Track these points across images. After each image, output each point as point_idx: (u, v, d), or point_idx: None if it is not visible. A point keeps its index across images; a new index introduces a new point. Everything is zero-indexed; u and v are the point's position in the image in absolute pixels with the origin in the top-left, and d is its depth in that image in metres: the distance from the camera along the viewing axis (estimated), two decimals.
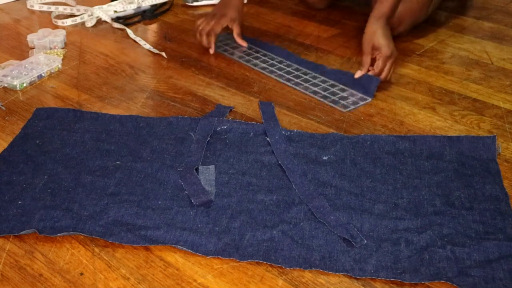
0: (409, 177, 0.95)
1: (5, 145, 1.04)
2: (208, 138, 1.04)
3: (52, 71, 1.31)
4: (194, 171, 0.96)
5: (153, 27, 1.58)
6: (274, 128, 1.07)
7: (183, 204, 0.89)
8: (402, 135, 1.05)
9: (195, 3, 1.70)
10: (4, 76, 1.25)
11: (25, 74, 1.26)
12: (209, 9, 1.68)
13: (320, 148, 1.02)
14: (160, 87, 1.26)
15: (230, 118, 1.12)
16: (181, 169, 0.97)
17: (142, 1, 1.62)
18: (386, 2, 1.25)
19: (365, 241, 0.82)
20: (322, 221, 0.86)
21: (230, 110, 1.15)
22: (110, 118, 1.11)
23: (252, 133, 1.06)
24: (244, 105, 1.18)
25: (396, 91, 1.24)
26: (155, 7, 1.65)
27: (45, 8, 1.64)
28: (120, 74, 1.32)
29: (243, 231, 0.84)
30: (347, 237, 0.82)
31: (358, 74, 1.22)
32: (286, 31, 1.54)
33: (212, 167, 0.98)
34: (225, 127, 1.08)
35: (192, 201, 0.90)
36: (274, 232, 0.84)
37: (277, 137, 1.04)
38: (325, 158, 1.00)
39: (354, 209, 0.88)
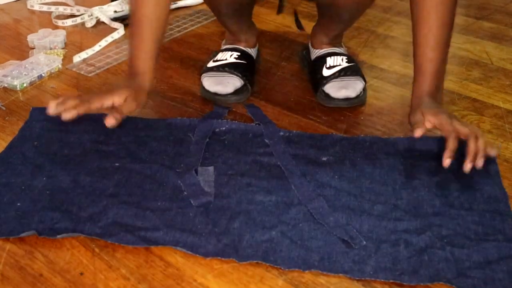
0: (408, 177, 0.95)
1: (6, 145, 1.04)
2: (207, 139, 1.04)
3: (52, 71, 1.31)
4: (193, 172, 0.96)
5: None
6: (272, 129, 1.07)
7: (183, 205, 0.89)
8: (401, 136, 1.06)
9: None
10: (4, 76, 1.26)
11: (25, 74, 1.26)
12: (171, 16, 1.67)
13: (319, 149, 1.02)
14: (160, 87, 1.26)
15: (229, 119, 1.12)
16: (180, 170, 0.96)
17: None
18: (426, 76, 1.02)
19: (364, 242, 0.82)
20: (321, 222, 0.86)
21: (229, 111, 1.15)
22: None
23: (251, 134, 1.06)
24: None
25: (396, 91, 1.24)
26: None
27: (45, 8, 1.64)
28: (120, 74, 1.32)
29: (242, 232, 0.84)
30: (346, 239, 0.82)
31: (418, 133, 0.96)
32: (286, 31, 1.54)
33: (211, 168, 0.97)
34: (224, 128, 1.07)
35: (192, 202, 0.90)
36: (273, 233, 0.83)
37: (275, 138, 1.04)
38: (324, 159, 1.00)
39: (353, 210, 0.88)
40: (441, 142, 1.02)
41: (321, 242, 0.82)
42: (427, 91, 1.00)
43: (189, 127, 1.08)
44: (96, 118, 1.09)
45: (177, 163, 0.98)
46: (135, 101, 1.04)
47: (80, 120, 1.09)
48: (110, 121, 1.01)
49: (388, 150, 1.01)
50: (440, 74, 1.02)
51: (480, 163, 0.92)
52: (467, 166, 0.91)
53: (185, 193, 0.92)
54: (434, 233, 0.83)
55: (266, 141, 1.04)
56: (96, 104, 1.02)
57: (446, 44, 1.02)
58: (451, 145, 0.92)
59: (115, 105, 1.03)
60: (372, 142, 1.04)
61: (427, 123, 0.97)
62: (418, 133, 0.95)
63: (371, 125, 1.11)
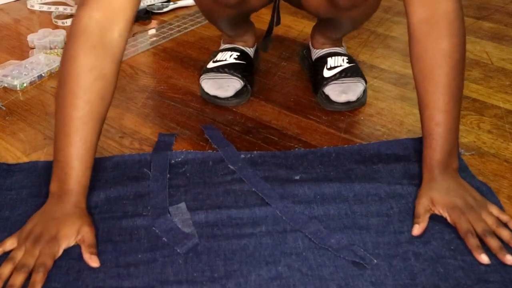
0: (389, 184, 0.91)
1: (6, 145, 1.04)
2: (168, 174, 0.94)
3: (52, 71, 1.31)
4: (167, 215, 0.85)
5: (148, 27, 1.58)
6: (232, 153, 0.99)
7: (166, 253, 0.79)
8: (365, 143, 1.03)
9: (159, 10, 1.67)
10: (4, 76, 1.26)
11: (25, 74, 1.26)
12: (171, 16, 1.68)
13: (288, 167, 0.96)
14: (160, 87, 1.26)
15: (230, 118, 1.11)
16: (148, 213, 0.86)
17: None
18: (436, 142, 0.88)
19: (375, 260, 0.77)
20: (323, 246, 0.80)
21: (175, 137, 1.06)
22: (44, 166, 0.95)
23: (211, 162, 0.97)
24: (245, 105, 1.18)
25: (396, 91, 1.24)
26: (151, 7, 1.66)
27: (45, 8, 1.65)
28: (120, 74, 1.30)
29: (246, 272, 0.76)
30: (356, 260, 0.77)
31: (415, 232, 0.83)
32: (286, 31, 1.54)
33: (182, 205, 0.87)
34: (180, 159, 0.98)
35: (178, 250, 0.79)
36: (280, 268, 0.76)
37: (239, 163, 0.96)
38: (297, 177, 0.93)
39: (350, 228, 0.83)
40: (406, 142, 1.01)
41: (332, 268, 0.76)
42: (438, 160, 0.87)
43: (141, 162, 0.97)
44: (31, 167, 0.96)
45: (141, 205, 0.87)
46: (90, 233, 0.80)
47: (11, 173, 0.95)
48: (95, 263, 0.77)
49: (357, 159, 0.98)
50: (452, 135, 0.88)
51: (507, 260, 0.77)
52: (508, 260, 0.77)
53: (164, 239, 0.81)
54: (437, 240, 0.81)
55: (231, 166, 0.96)
56: (51, 264, 0.76)
57: (457, 100, 0.88)
58: (473, 244, 0.79)
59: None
60: (337, 153, 0.99)
61: (437, 213, 0.85)
62: (415, 231, 0.82)
63: (371, 125, 1.11)
